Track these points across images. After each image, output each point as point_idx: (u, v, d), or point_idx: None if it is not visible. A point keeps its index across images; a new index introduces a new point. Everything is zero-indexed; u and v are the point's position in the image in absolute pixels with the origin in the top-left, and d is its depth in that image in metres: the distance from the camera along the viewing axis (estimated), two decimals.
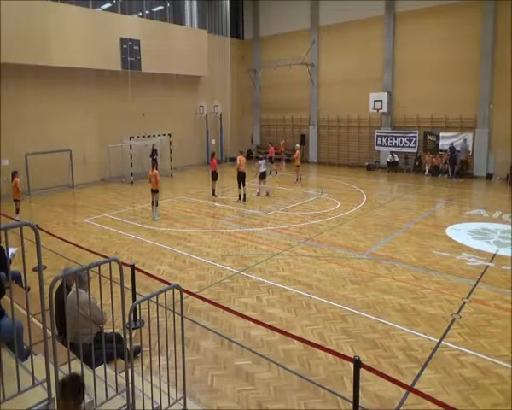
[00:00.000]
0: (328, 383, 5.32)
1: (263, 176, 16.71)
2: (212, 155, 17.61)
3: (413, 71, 22.47)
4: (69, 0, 19.46)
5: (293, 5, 26.98)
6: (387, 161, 23.56)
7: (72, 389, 2.88)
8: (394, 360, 5.81)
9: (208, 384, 5.33)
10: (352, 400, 4.17)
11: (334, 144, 26.41)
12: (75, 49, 19.08)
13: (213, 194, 17.16)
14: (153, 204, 13.83)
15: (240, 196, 16.14)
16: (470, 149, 20.95)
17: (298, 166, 20.43)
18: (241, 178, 15.86)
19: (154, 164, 15.20)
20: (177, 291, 3.95)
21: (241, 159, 16.25)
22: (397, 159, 23.28)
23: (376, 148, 24.35)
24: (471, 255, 9.99)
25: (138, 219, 13.89)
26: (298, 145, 22.14)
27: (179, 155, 24.33)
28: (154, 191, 13.67)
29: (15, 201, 13.23)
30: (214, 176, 16.96)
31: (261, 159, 17.55)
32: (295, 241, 11.27)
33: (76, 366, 3.57)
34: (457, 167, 20.81)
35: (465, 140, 20.91)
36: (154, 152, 21.93)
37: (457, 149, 20.98)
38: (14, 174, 13.30)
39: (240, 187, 16.04)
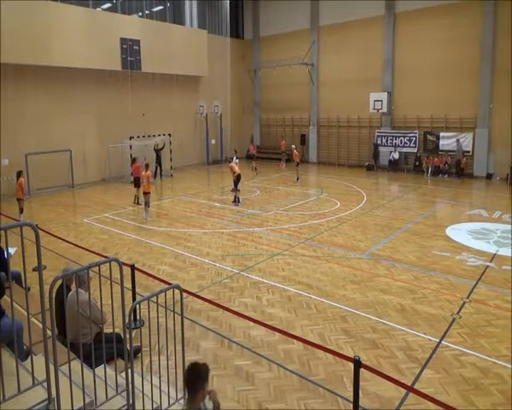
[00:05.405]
0: (328, 383, 5.32)
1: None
2: (134, 160, 16.38)
3: (413, 71, 22.46)
4: (69, 0, 19.48)
5: (293, 5, 26.97)
6: (389, 159, 23.57)
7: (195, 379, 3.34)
8: (394, 360, 5.81)
9: (208, 384, 5.31)
10: (352, 400, 4.18)
11: (334, 144, 26.40)
12: (75, 49, 19.07)
13: (137, 202, 15.82)
14: (142, 204, 13.78)
15: (238, 197, 16.16)
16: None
17: (298, 164, 20.59)
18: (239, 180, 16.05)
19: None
20: (177, 291, 3.95)
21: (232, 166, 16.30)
22: (397, 157, 23.29)
23: None
24: (471, 255, 9.99)
25: (138, 219, 13.88)
26: (293, 146, 22.14)
27: (179, 155, 24.34)
28: (146, 193, 13.60)
29: (18, 200, 13.21)
30: (137, 183, 15.30)
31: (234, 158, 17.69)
32: (295, 241, 11.27)
33: (76, 366, 3.57)
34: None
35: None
36: (158, 151, 21.59)
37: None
38: (20, 174, 13.33)
39: (238, 189, 16.11)
